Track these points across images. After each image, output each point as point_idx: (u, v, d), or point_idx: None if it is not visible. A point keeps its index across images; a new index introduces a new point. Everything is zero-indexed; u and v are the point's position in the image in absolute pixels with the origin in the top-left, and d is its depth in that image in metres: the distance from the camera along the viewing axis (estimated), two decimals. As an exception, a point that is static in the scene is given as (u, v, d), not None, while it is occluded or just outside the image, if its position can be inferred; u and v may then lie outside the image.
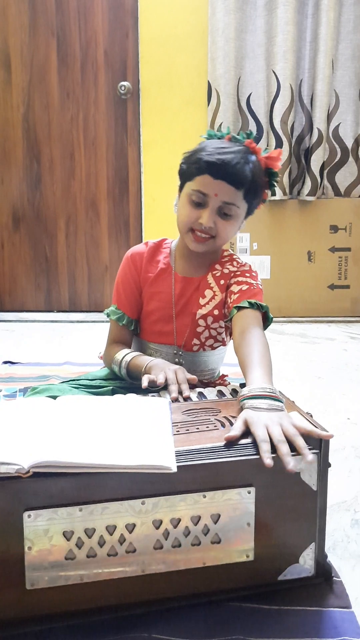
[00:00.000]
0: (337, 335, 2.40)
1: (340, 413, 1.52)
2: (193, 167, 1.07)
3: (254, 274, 1.16)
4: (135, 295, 1.20)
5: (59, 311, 2.82)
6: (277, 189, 2.54)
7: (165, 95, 2.60)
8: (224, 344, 1.21)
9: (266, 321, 1.09)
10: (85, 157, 2.71)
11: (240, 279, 1.14)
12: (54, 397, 0.94)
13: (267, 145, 2.56)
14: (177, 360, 1.17)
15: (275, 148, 2.50)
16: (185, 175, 1.10)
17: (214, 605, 0.77)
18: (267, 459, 0.71)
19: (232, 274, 1.16)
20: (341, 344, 2.26)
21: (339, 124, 2.59)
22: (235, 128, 2.56)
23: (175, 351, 1.18)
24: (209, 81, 2.53)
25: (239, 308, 1.07)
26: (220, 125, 2.52)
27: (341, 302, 2.67)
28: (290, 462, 0.71)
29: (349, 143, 2.61)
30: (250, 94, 2.57)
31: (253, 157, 1.08)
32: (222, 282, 1.16)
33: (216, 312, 1.15)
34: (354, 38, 2.53)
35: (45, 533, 0.69)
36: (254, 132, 1.31)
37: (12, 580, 0.70)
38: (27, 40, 2.61)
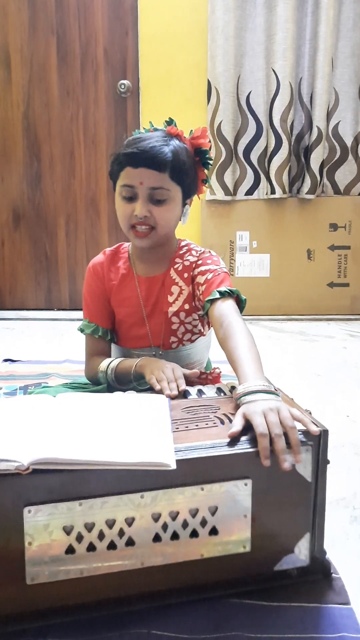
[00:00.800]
0: (336, 333, 2.41)
1: (339, 411, 1.52)
2: (115, 164, 1.08)
3: (215, 258, 1.15)
4: (104, 305, 1.20)
5: (59, 309, 2.83)
6: (277, 187, 2.54)
7: (165, 94, 2.60)
8: (202, 334, 1.21)
9: (239, 304, 1.06)
10: (85, 156, 2.71)
11: (202, 267, 1.12)
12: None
13: (267, 144, 2.56)
14: None
15: (274, 146, 2.51)
16: (113, 175, 1.11)
17: (213, 601, 0.78)
18: (265, 460, 0.72)
19: (194, 264, 1.15)
20: (340, 341, 2.27)
21: (339, 122, 2.59)
22: (235, 126, 2.56)
23: (154, 352, 1.17)
24: (208, 79, 2.53)
25: (212, 301, 1.05)
26: (220, 123, 2.52)
27: (340, 300, 2.67)
28: (286, 462, 0.72)
29: (349, 141, 2.61)
30: (250, 92, 2.57)
31: (174, 140, 1.08)
32: (185, 275, 1.15)
33: (187, 306, 1.15)
34: (353, 36, 2.53)
35: (45, 528, 0.70)
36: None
37: (13, 576, 0.71)
38: (27, 38, 2.61)
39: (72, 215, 2.76)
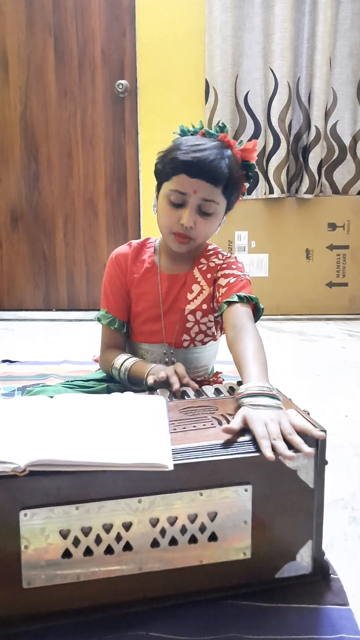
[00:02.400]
0: (335, 332, 2.40)
1: (338, 411, 1.52)
2: (169, 167, 1.06)
3: (240, 265, 1.15)
4: (123, 297, 1.19)
5: (57, 310, 2.82)
6: (275, 187, 2.54)
7: (163, 94, 2.60)
8: (214, 338, 1.20)
9: (257, 312, 1.07)
10: (83, 156, 2.71)
11: (227, 271, 1.13)
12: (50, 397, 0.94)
13: (265, 144, 2.56)
14: (167, 359, 1.17)
15: (273, 146, 2.51)
16: (162, 175, 1.09)
17: (211, 603, 0.77)
18: (268, 453, 0.71)
19: (219, 267, 1.15)
20: (339, 341, 2.26)
21: (337, 122, 2.59)
22: (233, 126, 2.56)
23: (165, 350, 1.17)
24: (206, 79, 2.53)
25: (229, 303, 1.05)
26: (219, 122, 2.51)
27: (339, 300, 2.67)
28: (287, 452, 0.71)
29: (347, 141, 2.60)
30: (248, 92, 2.57)
31: (228, 152, 1.07)
32: (209, 275, 1.15)
33: (205, 306, 1.15)
34: (351, 35, 2.52)
35: (41, 532, 0.69)
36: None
37: (9, 579, 0.70)
38: (24, 38, 2.61)
39: (70, 216, 2.76)
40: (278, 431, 0.75)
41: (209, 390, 0.98)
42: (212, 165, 1.02)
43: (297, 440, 0.74)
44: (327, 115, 2.56)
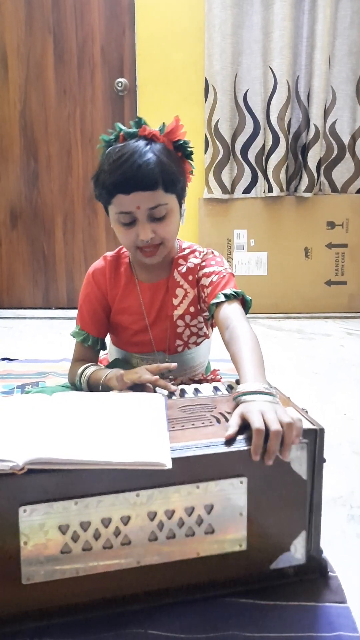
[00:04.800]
0: (334, 331, 2.41)
1: (337, 409, 1.52)
2: (103, 192, 1.02)
3: (218, 259, 1.12)
4: (99, 315, 1.17)
5: (56, 308, 2.82)
6: (274, 185, 2.54)
7: (162, 92, 2.60)
8: (206, 337, 1.20)
9: (245, 305, 1.05)
10: (82, 154, 2.71)
11: (207, 269, 1.10)
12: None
13: (264, 142, 2.56)
14: None
15: (272, 144, 2.51)
16: (102, 200, 1.05)
17: (209, 601, 0.78)
18: (255, 456, 0.72)
19: (198, 266, 1.12)
20: (338, 339, 2.27)
21: (336, 121, 2.59)
22: (232, 124, 2.56)
23: (160, 358, 1.16)
24: (205, 78, 2.53)
25: (217, 304, 1.03)
26: (218, 121, 2.52)
27: (338, 298, 2.67)
28: (269, 460, 0.72)
29: (346, 139, 2.60)
30: (247, 91, 2.56)
31: (156, 146, 1.01)
32: (190, 277, 1.13)
33: (192, 309, 1.13)
34: (350, 34, 2.52)
35: (40, 527, 0.70)
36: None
37: (8, 576, 0.70)
38: (23, 37, 2.61)
39: (70, 214, 2.76)
40: (275, 419, 0.74)
41: (206, 388, 0.98)
42: (140, 173, 0.97)
43: (288, 440, 0.73)
44: (326, 113, 2.56)
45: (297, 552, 0.79)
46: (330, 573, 0.84)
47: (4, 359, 1.95)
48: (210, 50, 2.49)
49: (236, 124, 2.58)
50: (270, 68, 2.48)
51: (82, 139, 2.69)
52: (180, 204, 1.08)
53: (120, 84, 2.60)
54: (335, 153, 2.62)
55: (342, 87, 2.57)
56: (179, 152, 1.06)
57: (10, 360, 1.94)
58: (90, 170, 2.71)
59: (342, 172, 2.63)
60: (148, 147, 1.00)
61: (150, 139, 1.02)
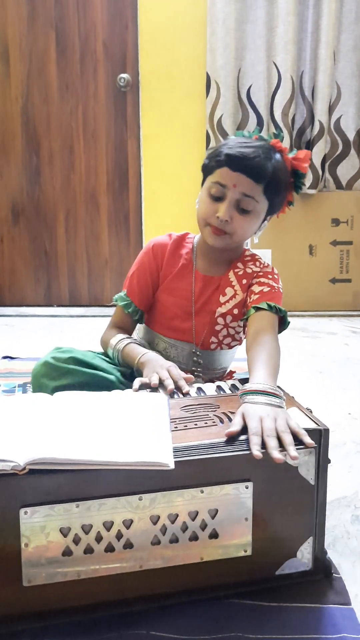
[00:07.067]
0: (338, 329, 2.39)
1: (341, 408, 1.51)
2: (214, 160, 1.07)
3: (276, 276, 1.15)
4: (148, 287, 1.18)
5: (58, 306, 2.81)
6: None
7: (165, 88, 2.58)
8: (240, 342, 1.21)
9: (282, 325, 1.08)
10: (84, 150, 2.69)
11: (262, 280, 1.13)
12: (75, 360, 1.06)
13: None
14: (194, 359, 1.16)
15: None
16: (207, 169, 1.10)
17: (212, 602, 0.77)
18: (256, 451, 0.71)
19: (255, 274, 1.15)
20: (342, 338, 2.25)
21: (341, 116, 2.57)
22: (235, 120, 2.54)
23: (193, 349, 1.16)
24: (207, 73, 2.51)
25: (257, 309, 1.06)
26: (221, 117, 2.49)
27: (343, 296, 2.65)
28: (275, 454, 0.71)
29: (351, 135, 2.58)
30: (251, 86, 2.54)
31: (277, 155, 1.07)
32: (244, 281, 1.14)
33: (236, 311, 1.15)
34: (355, 29, 2.50)
35: (42, 529, 0.69)
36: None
37: (9, 577, 0.70)
38: (25, 32, 2.59)
39: (72, 211, 2.75)
40: (272, 427, 0.75)
41: (210, 387, 0.97)
42: (255, 161, 1.02)
43: (287, 440, 0.74)
44: (331, 109, 2.54)
45: (303, 557, 0.79)
46: (334, 574, 0.83)
47: (5, 357, 1.94)
48: (213, 45, 2.47)
49: (239, 119, 2.56)
50: (274, 63, 2.46)
51: (84, 134, 2.68)
52: (265, 217, 1.12)
53: (122, 80, 2.58)
54: (340, 149, 2.59)
55: (347, 82, 2.55)
56: (292, 178, 1.12)
57: (12, 358, 1.94)
58: (93, 166, 2.70)
59: (347, 168, 2.61)
60: (274, 153, 1.07)
61: (278, 150, 1.09)
